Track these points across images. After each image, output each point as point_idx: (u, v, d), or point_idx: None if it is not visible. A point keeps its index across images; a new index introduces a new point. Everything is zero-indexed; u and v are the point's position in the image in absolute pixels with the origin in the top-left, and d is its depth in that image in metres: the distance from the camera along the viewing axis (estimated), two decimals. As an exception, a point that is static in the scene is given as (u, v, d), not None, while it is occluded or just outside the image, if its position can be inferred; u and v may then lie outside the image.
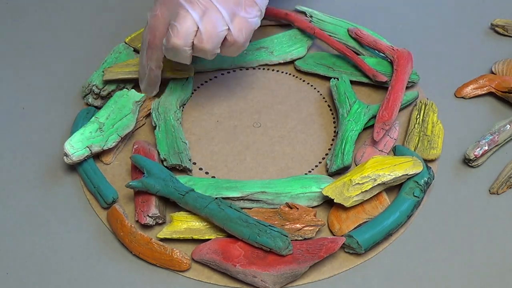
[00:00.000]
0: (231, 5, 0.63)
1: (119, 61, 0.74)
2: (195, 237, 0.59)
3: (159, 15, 0.64)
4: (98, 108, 0.70)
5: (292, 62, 0.76)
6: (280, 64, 0.76)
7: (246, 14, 0.65)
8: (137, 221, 0.61)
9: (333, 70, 0.73)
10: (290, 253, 0.56)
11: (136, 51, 0.76)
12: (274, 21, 0.80)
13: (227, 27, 0.63)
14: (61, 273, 0.59)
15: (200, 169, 0.66)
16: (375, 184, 0.60)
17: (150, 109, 0.70)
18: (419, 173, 0.61)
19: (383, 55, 0.73)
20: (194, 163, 0.67)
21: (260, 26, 0.69)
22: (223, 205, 0.58)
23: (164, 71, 0.70)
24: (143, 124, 0.71)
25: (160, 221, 0.61)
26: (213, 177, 0.65)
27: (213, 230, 0.60)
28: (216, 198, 0.59)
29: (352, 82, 0.72)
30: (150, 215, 0.60)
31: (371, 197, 0.61)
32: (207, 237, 0.59)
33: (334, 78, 0.72)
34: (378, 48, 0.73)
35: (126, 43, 0.77)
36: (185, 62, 0.65)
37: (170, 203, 0.62)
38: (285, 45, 0.76)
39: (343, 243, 0.58)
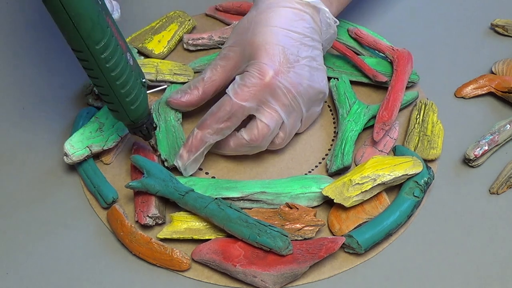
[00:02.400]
0: (309, 103, 0.64)
1: (121, 61, 0.74)
2: (195, 237, 0.59)
3: (247, 97, 0.60)
4: (99, 108, 0.70)
5: (292, 62, 0.76)
6: (280, 64, 0.76)
7: (317, 108, 0.67)
8: (137, 221, 0.61)
9: (333, 70, 0.73)
10: (290, 253, 0.56)
11: (140, 52, 0.76)
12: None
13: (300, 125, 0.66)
14: (61, 273, 0.59)
15: (200, 169, 0.66)
16: (375, 184, 0.60)
17: (150, 109, 0.70)
18: (419, 173, 0.61)
19: (383, 55, 0.73)
20: (194, 163, 0.67)
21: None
22: (223, 205, 0.58)
23: (164, 75, 0.71)
24: (143, 124, 0.71)
25: (160, 221, 0.61)
26: (213, 177, 0.65)
27: (213, 230, 0.60)
28: (216, 198, 0.59)
29: (352, 82, 0.72)
30: (150, 215, 0.60)
31: (371, 197, 0.61)
32: (207, 237, 0.59)
33: (334, 78, 0.72)
34: (378, 48, 0.73)
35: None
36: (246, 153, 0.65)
37: (170, 203, 0.62)
38: (285, 45, 0.76)
39: (343, 243, 0.58)
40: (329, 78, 0.73)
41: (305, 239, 0.59)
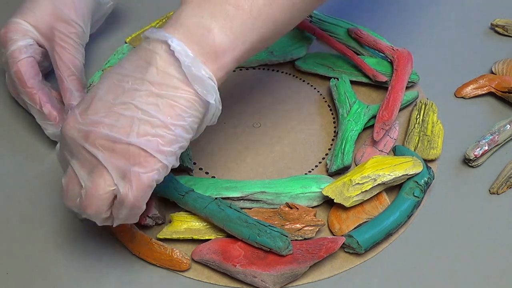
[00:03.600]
0: (121, 161, 0.52)
1: (121, 61, 0.73)
2: (195, 237, 0.59)
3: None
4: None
5: (292, 62, 0.76)
6: (280, 64, 0.76)
7: (139, 169, 0.52)
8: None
9: (333, 70, 0.73)
10: (290, 253, 0.56)
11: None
12: (274, 21, 0.80)
13: (114, 187, 0.52)
14: (61, 273, 0.59)
15: (200, 169, 0.66)
16: (375, 184, 0.60)
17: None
18: (419, 173, 0.61)
19: (383, 55, 0.73)
20: (194, 163, 0.67)
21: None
22: (223, 205, 0.58)
23: None
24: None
25: (160, 222, 0.61)
26: (213, 177, 0.65)
27: (213, 230, 0.60)
28: (216, 198, 0.59)
29: (352, 82, 0.72)
30: (150, 215, 0.60)
31: (371, 197, 0.61)
32: (207, 237, 0.59)
33: (334, 78, 0.72)
34: (378, 48, 0.73)
35: (126, 43, 0.77)
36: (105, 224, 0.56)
37: (170, 203, 0.62)
38: (285, 45, 0.76)
39: (343, 243, 0.58)
40: (329, 78, 0.73)
41: (305, 239, 0.59)
